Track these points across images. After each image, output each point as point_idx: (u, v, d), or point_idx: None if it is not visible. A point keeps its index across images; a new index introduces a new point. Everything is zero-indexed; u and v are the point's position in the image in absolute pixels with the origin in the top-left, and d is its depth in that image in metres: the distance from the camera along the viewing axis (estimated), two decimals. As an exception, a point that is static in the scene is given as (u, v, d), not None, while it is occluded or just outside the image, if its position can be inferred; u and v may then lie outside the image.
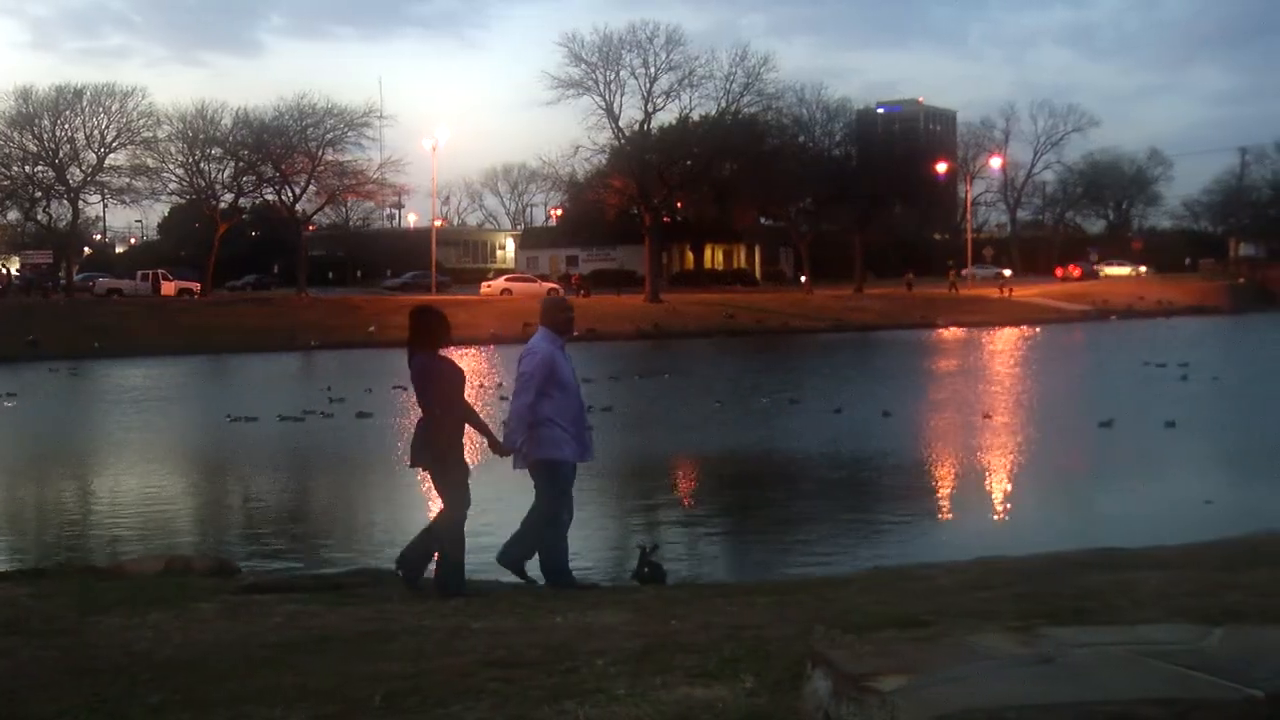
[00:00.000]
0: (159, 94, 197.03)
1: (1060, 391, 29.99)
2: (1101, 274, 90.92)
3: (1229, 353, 42.23)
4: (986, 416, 23.92)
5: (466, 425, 8.17)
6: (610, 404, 25.27)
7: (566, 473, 8.40)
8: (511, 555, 8.54)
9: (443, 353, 8.20)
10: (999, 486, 17.19)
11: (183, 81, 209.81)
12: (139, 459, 21.21)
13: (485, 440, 8.38)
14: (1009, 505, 15.80)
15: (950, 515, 15.19)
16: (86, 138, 70.85)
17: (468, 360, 45.87)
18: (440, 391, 7.99)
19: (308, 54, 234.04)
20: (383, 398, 29.40)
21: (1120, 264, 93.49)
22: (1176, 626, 4.60)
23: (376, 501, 16.89)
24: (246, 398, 30.89)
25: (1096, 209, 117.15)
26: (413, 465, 8.25)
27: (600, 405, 22.53)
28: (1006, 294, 75.00)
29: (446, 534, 7.97)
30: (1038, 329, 60.72)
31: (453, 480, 7.98)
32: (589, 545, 11.80)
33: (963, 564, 8.35)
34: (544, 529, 8.43)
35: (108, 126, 70.60)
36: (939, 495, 16.75)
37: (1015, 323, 65.07)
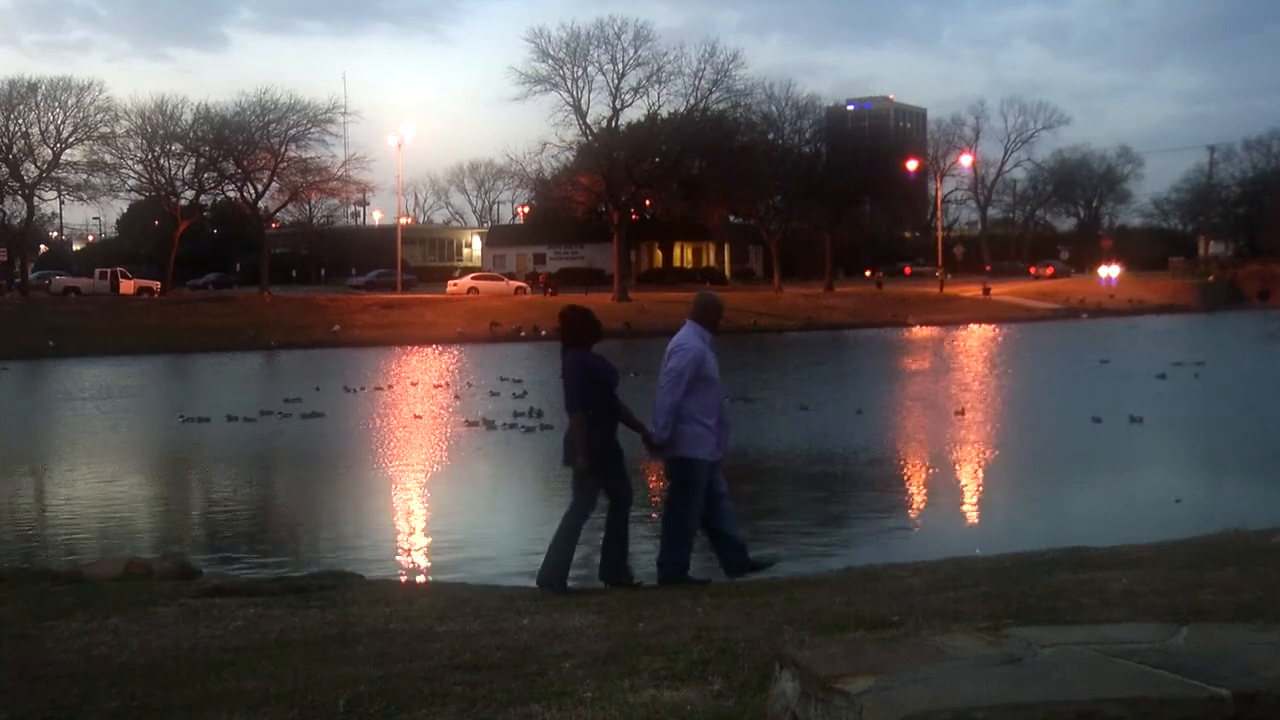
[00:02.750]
0: (121, 89, 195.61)
1: (1032, 389, 30.16)
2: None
3: (1212, 351, 42.40)
4: (960, 413, 24.01)
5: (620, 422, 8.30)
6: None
7: (700, 471, 8.49)
8: (669, 566, 8.60)
9: (595, 350, 8.34)
10: (971, 485, 17.23)
11: (145, 77, 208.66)
12: (93, 461, 20.86)
13: (639, 436, 8.42)
14: (980, 504, 15.84)
15: (921, 514, 15.18)
16: (42, 133, 69.52)
17: (441, 359, 45.65)
18: (592, 389, 8.07)
19: (275, 49, 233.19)
20: (362, 399, 29.27)
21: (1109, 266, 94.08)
22: (1144, 625, 4.61)
23: (339, 503, 16.75)
24: (206, 398, 30.66)
25: (1066, 207, 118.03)
26: (565, 464, 8.28)
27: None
28: (986, 292, 75.53)
29: (563, 530, 8.10)
30: (1010, 327, 60.89)
31: (591, 481, 8.08)
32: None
33: (932, 564, 8.36)
34: (673, 522, 8.59)
35: (64, 121, 69.33)
36: (909, 494, 16.76)
37: (986, 321, 65.43)
